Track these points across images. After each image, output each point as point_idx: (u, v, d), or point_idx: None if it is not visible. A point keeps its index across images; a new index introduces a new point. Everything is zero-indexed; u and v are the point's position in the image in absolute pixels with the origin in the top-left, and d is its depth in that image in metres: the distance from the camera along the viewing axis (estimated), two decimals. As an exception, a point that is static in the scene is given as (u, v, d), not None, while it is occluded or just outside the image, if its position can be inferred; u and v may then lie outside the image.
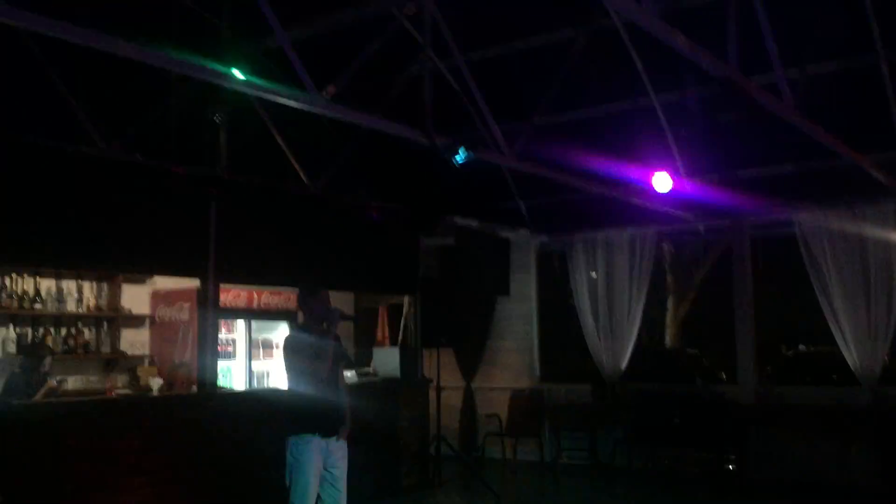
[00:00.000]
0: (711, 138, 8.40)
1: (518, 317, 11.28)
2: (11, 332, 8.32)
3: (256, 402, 7.67)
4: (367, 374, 9.16)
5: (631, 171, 8.18)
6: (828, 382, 11.15)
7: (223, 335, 9.24)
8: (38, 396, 7.18)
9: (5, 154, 5.97)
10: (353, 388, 6.08)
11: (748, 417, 9.35)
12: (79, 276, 8.81)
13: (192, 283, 8.01)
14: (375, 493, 8.10)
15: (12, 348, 8.26)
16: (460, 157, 6.34)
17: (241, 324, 9.89)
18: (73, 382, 8.61)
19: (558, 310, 11.58)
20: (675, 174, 8.15)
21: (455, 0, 7.27)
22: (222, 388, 8.22)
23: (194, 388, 7.72)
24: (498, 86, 8.16)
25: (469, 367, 11.24)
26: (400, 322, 11.02)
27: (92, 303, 8.98)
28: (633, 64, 7.76)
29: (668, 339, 18.88)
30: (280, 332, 9.89)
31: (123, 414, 6.67)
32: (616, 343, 10.41)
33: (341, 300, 9.91)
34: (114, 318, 9.19)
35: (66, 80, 6.76)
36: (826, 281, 8.99)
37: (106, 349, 9.10)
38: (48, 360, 7.64)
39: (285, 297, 10.00)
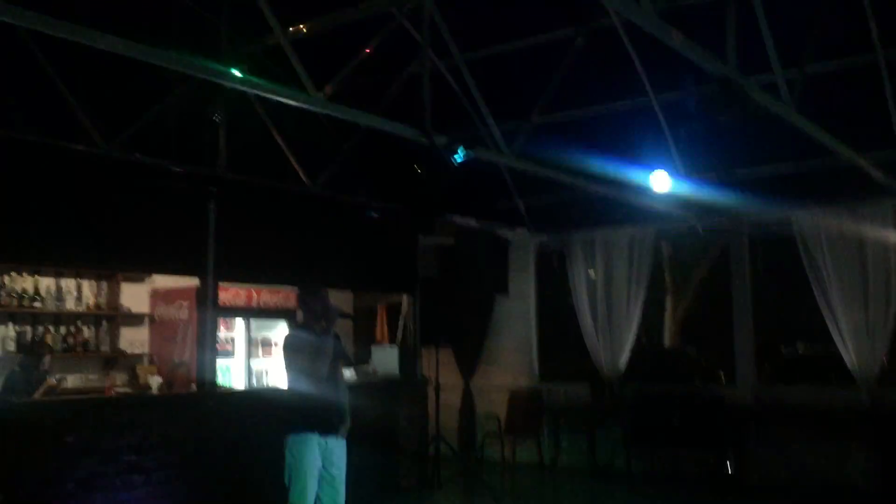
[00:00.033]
0: (710, 137, 8.40)
1: (517, 316, 11.26)
2: (11, 331, 8.34)
3: (256, 400, 7.69)
4: (366, 373, 9.17)
5: (630, 171, 8.19)
6: (827, 382, 11.13)
7: (222, 334, 9.23)
8: (38, 395, 7.20)
9: (5, 153, 5.98)
10: (352, 388, 6.07)
11: (747, 417, 9.34)
12: (78, 275, 8.83)
13: (192, 282, 8.02)
14: (374, 492, 8.10)
15: (12, 346, 8.28)
16: (459, 156, 6.34)
17: (240, 322, 9.89)
18: (72, 381, 8.62)
19: (557, 309, 11.55)
20: (673, 173, 8.16)
21: (454, -1, 7.29)
22: (221, 386, 8.22)
23: (193, 387, 7.74)
24: (497, 85, 8.17)
25: (468, 367, 11.22)
26: (399, 321, 11.03)
27: (91, 301, 9.00)
28: (632, 63, 7.77)
29: (667, 339, 18.86)
30: (279, 330, 9.89)
31: (122, 412, 6.66)
32: (614, 343, 10.38)
33: (340, 299, 9.91)
34: (113, 317, 9.20)
35: (65, 78, 6.76)
36: (824, 280, 8.96)
37: (105, 348, 9.11)
38: (47, 358, 7.67)
39: (284, 295, 10.00)
